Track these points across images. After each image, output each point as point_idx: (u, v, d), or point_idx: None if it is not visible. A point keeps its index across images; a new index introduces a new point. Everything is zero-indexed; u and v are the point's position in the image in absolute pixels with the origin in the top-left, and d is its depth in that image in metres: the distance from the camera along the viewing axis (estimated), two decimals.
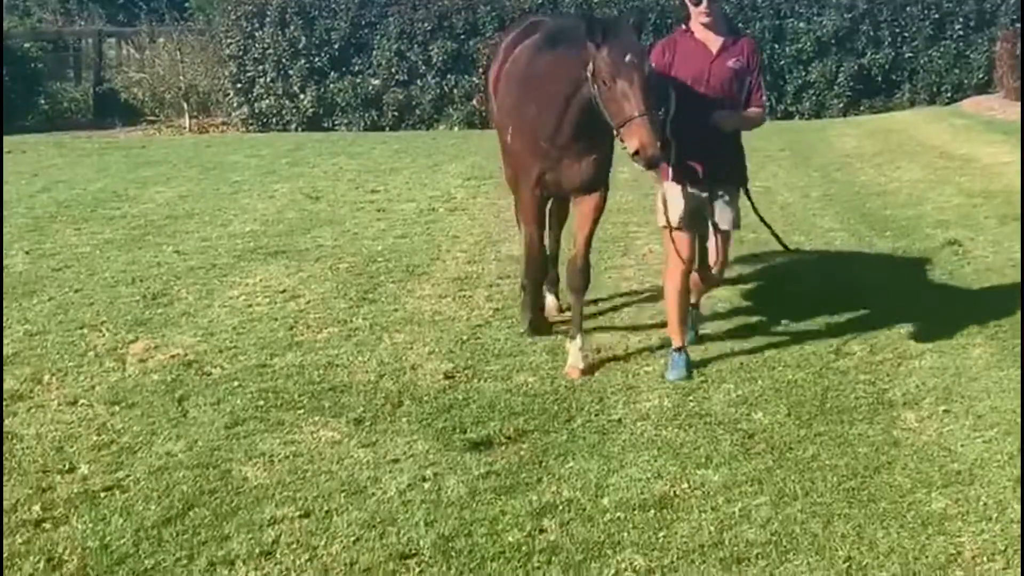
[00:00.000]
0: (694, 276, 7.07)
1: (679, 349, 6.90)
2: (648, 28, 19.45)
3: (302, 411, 6.35)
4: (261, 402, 6.48)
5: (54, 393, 6.65)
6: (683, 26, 6.83)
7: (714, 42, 6.68)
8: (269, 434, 6.01)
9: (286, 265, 9.86)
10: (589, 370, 6.88)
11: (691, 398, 6.49)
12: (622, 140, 6.10)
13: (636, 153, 5.98)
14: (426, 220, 12.02)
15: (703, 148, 6.56)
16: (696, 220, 6.79)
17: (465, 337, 7.69)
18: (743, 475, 5.46)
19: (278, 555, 4.73)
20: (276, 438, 5.95)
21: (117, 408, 6.38)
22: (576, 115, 6.53)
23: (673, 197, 6.70)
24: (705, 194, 6.75)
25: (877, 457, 5.08)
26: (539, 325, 7.68)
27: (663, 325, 7.14)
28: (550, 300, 8.11)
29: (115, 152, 19.03)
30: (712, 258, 7.04)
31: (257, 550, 4.76)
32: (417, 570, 4.62)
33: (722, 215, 6.86)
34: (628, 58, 6.03)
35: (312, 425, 6.14)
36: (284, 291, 8.92)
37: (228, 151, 18.84)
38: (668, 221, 6.72)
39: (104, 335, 7.78)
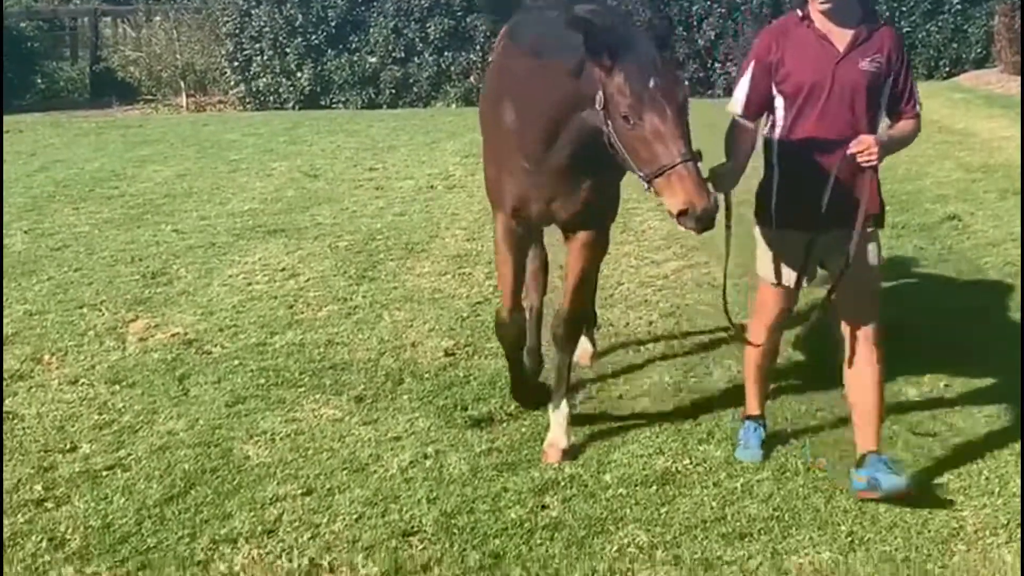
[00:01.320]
0: None
1: (753, 418, 5.52)
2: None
3: (303, 389, 6.35)
4: (262, 380, 6.47)
5: (54, 373, 6.64)
6: (798, 11, 4.99)
7: (840, 35, 4.87)
8: (270, 412, 6.00)
9: (285, 243, 9.84)
10: (572, 453, 5.46)
11: (692, 374, 6.49)
12: (657, 193, 4.50)
13: (683, 213, 4.39)
14: (425, 198, 11.99)
15: (822, 184, 4.84)
16: (801, 274, 5.14)
17: (465, 314, 7.68)
18: None
19: (280, 533, 4.73)
20: (277, 416, 5.95)
21: (118, 387, 6.38)
22: (571, 144, 4.90)
23: (770, 246, 5.18)
24: (818, 237, 5.00)
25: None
26: (525, 395, 5.98)
27: (665, 301, 7.13)
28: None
29: (112, 131, 18.97)
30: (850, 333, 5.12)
31: (259, 528, 4.76)
32: (420, 547, 4.62)
33: (859, 263, 4.92)
34: (653, 83, 4.42)
35: (313, 403, 6.13)
36: (283, 269, 8.90)
37: (225, 129, 18.78)
38: (758, 269, 5.29)
39: (104, 314, 7.77)
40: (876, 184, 4.94)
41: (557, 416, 5.51)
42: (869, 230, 4.95)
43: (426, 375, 6.55)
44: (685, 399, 6.12)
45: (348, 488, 5.13)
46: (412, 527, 4.79)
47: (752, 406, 5.52)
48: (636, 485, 5.12)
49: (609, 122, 4.55)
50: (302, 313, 7.78)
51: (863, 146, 4.74)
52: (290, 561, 4.49)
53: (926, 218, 10.18)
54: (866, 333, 5.04)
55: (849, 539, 4.62)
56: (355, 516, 4.88)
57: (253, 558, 4.51)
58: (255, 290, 8.34)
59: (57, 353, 6.98)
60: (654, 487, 5.10)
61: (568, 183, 5.10)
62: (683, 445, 5.53)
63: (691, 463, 5.34)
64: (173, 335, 7.28)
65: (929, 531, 4.67)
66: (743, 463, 5.31)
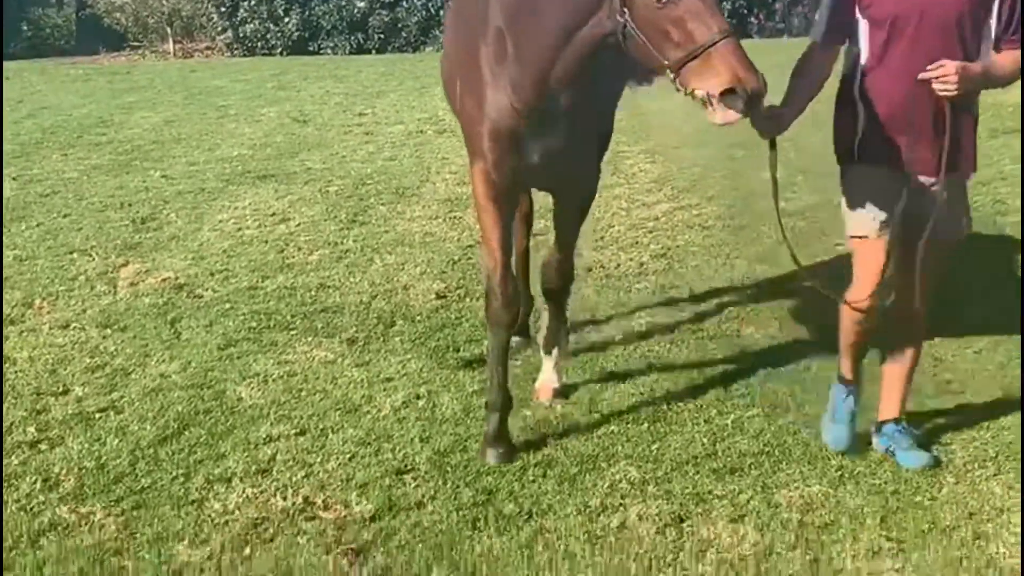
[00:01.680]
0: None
1: (846, 383, 4.92)
2: None
3: (295, 332, 6.36)
4: (254, 324, 6.47)
5: (45, 317, 6.64)
6: None
7: None
8: (263, 355, 6.01)
9: (275, 189, 9.81)
10: (563, 393, 5.45)
11: (683, 314, 6.51)
12: (687, 84, 3.98)
13: (728, 92, 3.87)
14: (414, 142, 11.95)
15: (910, 121, 4.34)
16: (901, 225, 4.49)
17: (456, 257, 7.68)
18: (736, 388, 5.49)
19: (274, 472, 4.75)
20: (270, 359, 5.96)
21: (109, 331, 6.37)
22: (576, 62, 4.38)
23: (858, 192, 4.54)
24: (912, 186, 4.42)
25: (868, 369, 5.09)
26: (504, 403, 5.01)
27: (655, 243, 7.15)
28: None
29: (99, 78, 18.85)
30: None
31: (253, 468, 4.78)
32: (413, 484, 4.65)
33: (941, 221, 4.41)
34: None
35: (305, 345, 6.14)
36: (274, 214, 8.89)
37: (213, 76, 18.67)
38: (850, 229, 4.62)
39: (94, 259, 7.76)
40: (973, 130, 4.44)
41: (549, 360, 5.48)
42: (963, 180, 4.53)
43: (418, 317, 6.56)
44: (677, 339, 6.14)
45: (341, 428, 5.15)
46: (405, 465, 4.81)
47: (846, 368, 4.90)
48: (628, 423, 5.15)
49: (626, 10, 4.06)
50: (293, 257, 7.78)
51: (942, 72, 4.18)
52: (284, 499, 4.51)
53: None
54: (922, 297, 4.63)
55: (839, 473, 4.65)
56: (348, 455, 4.90)
57: (247, 497, 4.53)
58: (245, 235, 8.33)
59: (48, 298, 6.97)
60: (645, 424, 5.12)
61: (562, 125, 4.58)
62: (674, 383, 5.55)
63: (682, 401, 5.36)
64: (164, 280, 7.27)
65: None
66: (734, 401, 5.33)
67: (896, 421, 4.79)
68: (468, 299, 6.85)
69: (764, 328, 6.22)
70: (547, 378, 5.47)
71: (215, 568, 4.04)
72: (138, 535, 4.25)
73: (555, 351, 5.48)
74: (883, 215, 4.46)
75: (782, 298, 6.65)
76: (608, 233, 8.17)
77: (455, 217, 8.70)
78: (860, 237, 4.54)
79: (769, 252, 7.50)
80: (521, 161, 4.69)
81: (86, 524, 4.32)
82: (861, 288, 4.57)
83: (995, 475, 4.61)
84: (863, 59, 4.44)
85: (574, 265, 5.37)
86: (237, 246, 8.04)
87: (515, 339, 5.63)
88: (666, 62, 4.02)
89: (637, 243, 7.89)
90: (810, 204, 8.43)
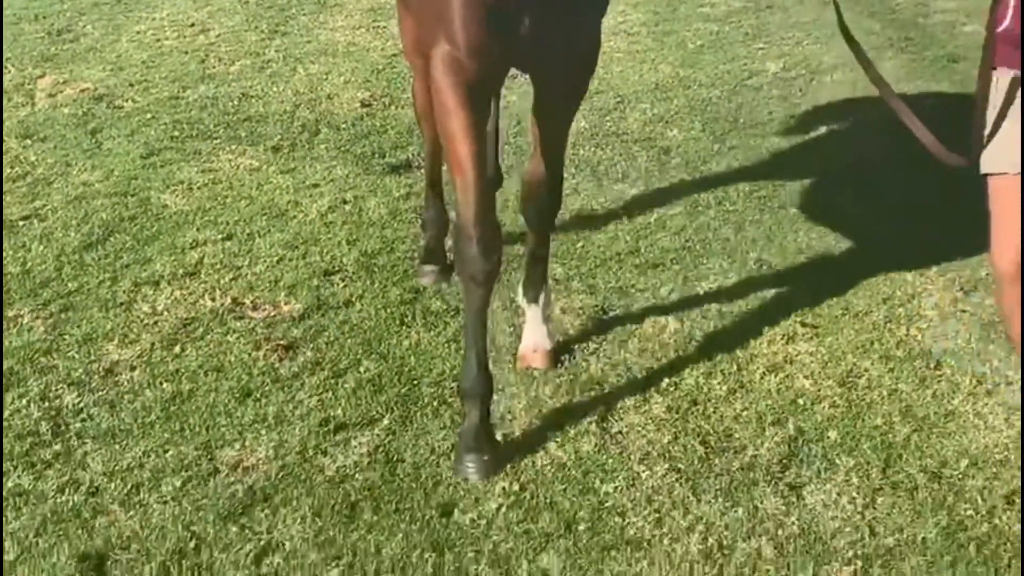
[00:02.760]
0: None
1: None
2: None
3: (218, 141, 6.30)
4: (176, 133, 6.40)
5: None
6: None
7: None
8: (186, 163, 5.97)
9: None
10: (555, 359, 4.16)
11: (608, 118, 6.53)
12: None
13: None
14: None
15: None
16: None
17: (380, 67, 7.60)
18: (658, 189, 5.57)
19: (202, 275, 4.78)
20: (193, 167, 5.92)
21: (29, 142, 6.26)
22: None
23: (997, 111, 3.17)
24: None
25: (789, 164, 5.18)
26: (485, 390, 3.70)
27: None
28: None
29: None
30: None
31: (180, 271, 4.81)
32: (341, 284, 4.70)
33: None
34: None
35: (229, 154, 6.10)
36: (193, 25, 8.68)
37: None
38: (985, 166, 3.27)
39: (10, 71, 7.55)
40: None
41: (534, 311, 4.16)
42: None
43: (343, 125, 6.53)
44: (601, 142, 6.17)
45: (268, 233, 5.17)
46: (333, 267, 4.86)
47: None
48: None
49: None
50: (214, 68, 7.64)
51: None
52: (213, 300, 4.55)
53: None
54: None
55: (757, 265, 4.78)
56: (276, 258, 4.93)
57: (176, 298, 4.57)
58: (165, 45, 8.15)
59: None
60: (570, 225, 5.18)
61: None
62: (598, 185, 5.62)
63: (606, 201, 5.43)
64: (83, 90, 7.13)
65: (835, 255, 4.85)
66: (655, 200, 5.40)
67: None
68: (393, 107, 6.81)
69: (687, 131, 6.27)
70: (536, 338, 4.17)
71: (146, 365, 4.10)
72: (67, 336, 4.29)
73: (541, 299, 4.16)
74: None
75: (704, 100, 6.69)
76: None
77: (379, 27, 8.56)
78: (1000, 171, 3.27)
79: (691, 57, 7.51)
80: (509, 34, 3.45)
81: (14, 326, 4.34)
82: (1006, 242, 3.28)
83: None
84: None
85: (561, 183, 4.08)
86: (156, 57, 7.87)
87: (428, 267, 4.76)
88: None
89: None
90: None
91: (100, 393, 3.93)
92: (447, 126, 3.50)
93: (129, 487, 3.44)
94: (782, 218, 5.16)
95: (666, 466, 3.54)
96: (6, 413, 3.80)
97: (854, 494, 3.42)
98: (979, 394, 3.91)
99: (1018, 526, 3.25)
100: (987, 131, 3.14)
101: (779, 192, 5.43)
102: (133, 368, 4.08)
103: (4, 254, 4.93)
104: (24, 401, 3.86)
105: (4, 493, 3.41)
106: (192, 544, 3.20)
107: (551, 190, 4.01)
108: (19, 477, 3.48)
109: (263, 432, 3.72)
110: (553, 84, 3.79)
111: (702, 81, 7.05)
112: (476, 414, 3.62)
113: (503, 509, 3.37)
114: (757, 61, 7.40)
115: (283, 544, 3.21)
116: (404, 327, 4.37)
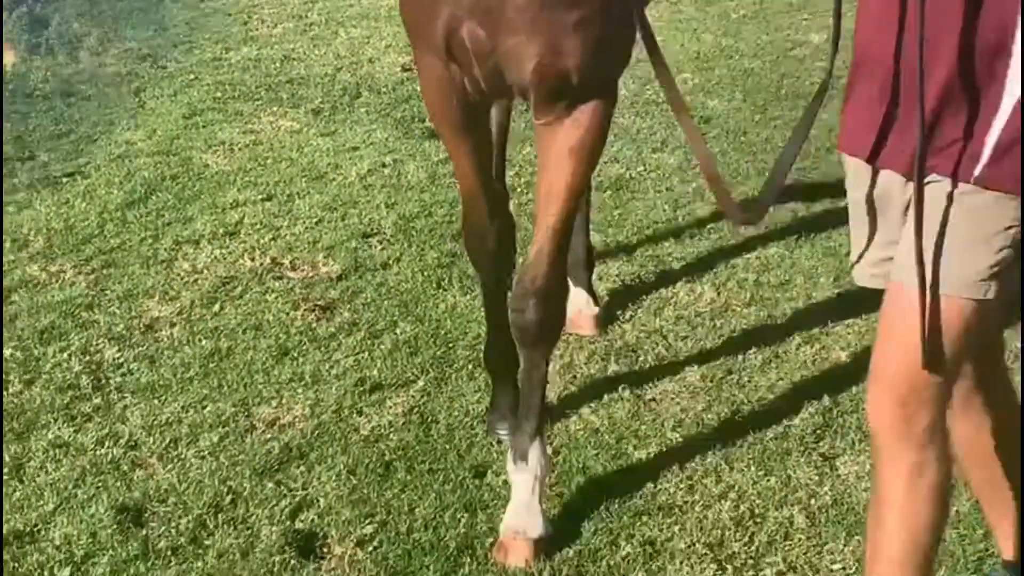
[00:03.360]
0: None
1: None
2: None
3: (260, 102, 6.34)
4: (218, 94, 6.45)
5: (7, 86, 6.57)
6: None
7: None
8: (228, 124, 6.01)
9: None
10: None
11: (648, 87, 6.49)
12: None
13: None
14: None
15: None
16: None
17: None
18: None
19: (242, 234, 4.82)
20: (235, 128, 5.96)
21: (73, 99, 6.33)
22: None
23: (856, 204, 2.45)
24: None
25: (830, 138, 5.13)
26: (502, 366, 3.54)
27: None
28: (575, 292, 4.04)
29: None
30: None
31: (221, 230, 4.85)
32: (379, 247, 4.73)
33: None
34: None
35: (271, 116, 6.14)
36: None
37: None
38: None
39: (54, 31, 7.63)
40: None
41: (522, 475, 3.12)
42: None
43: (383, 89, 6.55)
44: (641, 110, 6.17)
45: (308, 194, 5.20)
46: (371, 229, 4.88)
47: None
48: (591, 190, 5.20)
49: None
50: (256, 30, 7.69)
51: None
52: (252, 260, 4.59)
53: None
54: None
55: (796, 236, 4.76)
56: (315, 220, 4.96)
57: (216, 257, 4.61)
58: (207, 6, 8.21)
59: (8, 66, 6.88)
60: (608, 192, 5.19)
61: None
62: (637, 153, 5.61)
63: (645, 170, 5.43)
64: (126, 50, 7.18)
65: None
66: (695, 170, 5.39)
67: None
68: None
69: (728, 101, 6.25)
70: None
71: (185, 322, 4.14)
72: (108, 292, 4.34)
73: (532, 452, 3.12)
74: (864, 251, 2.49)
75: (746, 71, 6.67)
76: None
77: None
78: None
79: (733, 27, 7.48)
80: (502, 41, 2.82)
81: (56, 281, 4.40)
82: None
83: None
84: None
85: (565, 282, 3.24)
86: (199, 18, 7.93)
87: None
88: None
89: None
90: None
91: (140, 348, 3.98)
92: (441, 131, 3.35)
93: (167, 441, 3.48)
94: (821, 189, 5.13)
95: (699, 433, 3.55)
96: (47, 366, 3.85)
97: None
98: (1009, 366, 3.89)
99: None
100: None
101: (819, 163, 5.40)
102: (173, 324, 4.12)
103: (48, 210, 4.99)
104: (65, 355, 3.91)
105: (45, 444, 3.47)
106: (228, 499, 3.24)
107: (542, 291, 3.03)
108: (59, 429, 3.53)
109: (299, 391, 3.75)
110: (547, 133, 3.00)
111: (744, 51, 7.02)
112: (502, 385, 3.53)
113: None
114: (800, 32, 7.36)
115: (318, 500, 3.24)
116: (440, 290, 4.39)
